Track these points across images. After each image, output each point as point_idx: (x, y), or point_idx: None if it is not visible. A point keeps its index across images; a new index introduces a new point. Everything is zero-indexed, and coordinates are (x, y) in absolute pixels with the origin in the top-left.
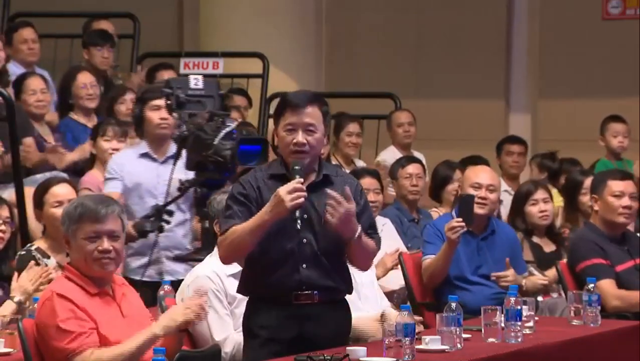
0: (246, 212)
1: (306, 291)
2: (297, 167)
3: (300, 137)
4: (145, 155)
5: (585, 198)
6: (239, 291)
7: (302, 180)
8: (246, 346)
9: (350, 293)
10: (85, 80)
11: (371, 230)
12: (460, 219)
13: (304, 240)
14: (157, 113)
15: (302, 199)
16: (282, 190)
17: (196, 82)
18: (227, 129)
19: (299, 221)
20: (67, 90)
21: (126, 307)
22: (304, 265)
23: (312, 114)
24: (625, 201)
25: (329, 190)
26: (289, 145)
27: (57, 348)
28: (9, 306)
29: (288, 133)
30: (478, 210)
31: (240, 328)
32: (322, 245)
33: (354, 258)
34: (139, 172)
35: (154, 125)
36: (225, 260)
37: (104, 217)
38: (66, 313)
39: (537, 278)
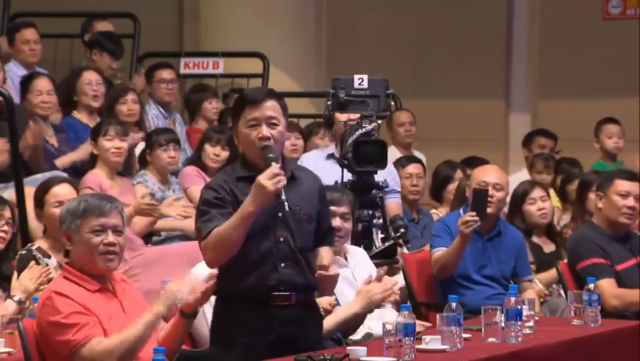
0: (226, 214)
1: (284, 293)
2: (271, 155)
3: (264, 130)
4: (331, 156)
5: (593, 196)
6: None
7: (279, 165)
8: (219, 346)
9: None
10: (91, 77)
11: (329, 235)
12: (474, 213)
13: (281, 239)
14: (345, 115)
15: (285, 182)
16: (262, 178)
17: (361, 81)
18: (363, 130)
19: (286, 204)
20: (72, 87)
21: (127, 303)
22: (282, 264)
23: (272, 107)
24: (630, 201)
25: (319, 270)
26: (255, 141)
27: (62, 343)
28: (9, 306)
29: (252, 129)
30: None
31: None
32: (298, 242)
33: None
34: (323, 172)
35: (340, 127)
36: (213, 262)
37: (108, 211)
38: (67, 308)
39: (540, 290)
